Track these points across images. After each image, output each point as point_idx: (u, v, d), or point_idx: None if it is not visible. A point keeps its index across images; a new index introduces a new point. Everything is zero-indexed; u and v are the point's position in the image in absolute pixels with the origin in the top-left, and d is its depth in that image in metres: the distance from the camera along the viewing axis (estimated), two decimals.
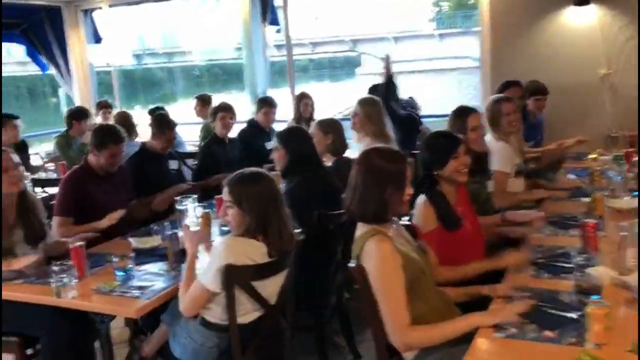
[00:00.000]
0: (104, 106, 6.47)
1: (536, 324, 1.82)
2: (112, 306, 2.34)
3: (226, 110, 4.55)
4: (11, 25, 7.27)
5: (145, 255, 2.86)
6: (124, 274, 2.63)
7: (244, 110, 6.20)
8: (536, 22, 5.25)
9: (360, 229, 2.08)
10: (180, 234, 2.77)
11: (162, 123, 4.07)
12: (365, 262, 1.99)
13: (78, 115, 5.82)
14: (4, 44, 7.38)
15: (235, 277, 2.15)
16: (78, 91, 7.13)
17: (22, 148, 5.38)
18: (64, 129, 5.81)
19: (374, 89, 4.73)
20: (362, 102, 4.12)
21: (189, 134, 6.11)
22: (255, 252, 2.22)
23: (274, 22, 6.79)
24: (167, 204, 3.75)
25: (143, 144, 4.09)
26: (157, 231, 3.22)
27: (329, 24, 35.02)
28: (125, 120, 4.83)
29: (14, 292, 2.59)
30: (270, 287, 2.32)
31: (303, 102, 5.54)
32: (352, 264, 2.06)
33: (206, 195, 4.10)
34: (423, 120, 5.46)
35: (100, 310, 2.40)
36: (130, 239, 3.07)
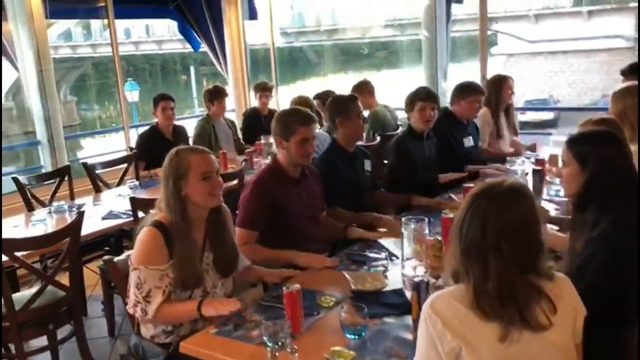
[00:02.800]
0: (262, 89, 5.72)
1: None
2: None
3: (427, 99, 3.62)
4: (164, 1, 6.88)
5: (369, 302, 2.08)
6: (356, 336, 1.87)
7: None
8: None
9: None
10: (432, 279, 1.96)
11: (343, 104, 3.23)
12: None
13: (214, 95, 5.20)
14: (151, 21, 7.01)
15: None
16: (232, 70, 6.59)
17: (178, 136, 4.83)
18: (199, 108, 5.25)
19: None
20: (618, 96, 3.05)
21: None
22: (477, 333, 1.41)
23: None
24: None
25: (334, 139, 3.32)
26: (373, 259, 2.46)
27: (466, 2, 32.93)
28: (307, 106, 4.07)
29: (209, 351, 1.91)
30: None
31: (506, 86, 4.45)
32: None
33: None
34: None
35: None
36: (345, 274, 2.32)
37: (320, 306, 2.11)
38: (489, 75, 4.93)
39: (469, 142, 4.05)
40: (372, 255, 2.54)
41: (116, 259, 2.28)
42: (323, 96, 4.57)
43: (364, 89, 5.29)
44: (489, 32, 33.73)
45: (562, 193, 3.32)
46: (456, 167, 3.83)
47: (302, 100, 4.42)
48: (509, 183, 1.51)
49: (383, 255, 2.53)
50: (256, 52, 7.45)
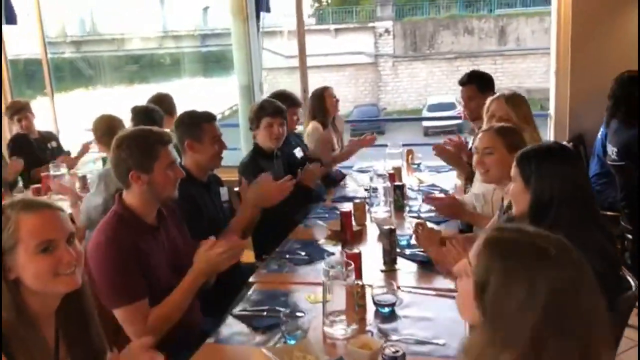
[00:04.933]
0: (18, 109, 4.42)
1: None
2: None
3: (275, 114, 3.15)
4: None
5: None
6: None
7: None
8: None
9: None
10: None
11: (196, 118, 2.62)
12: None
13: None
14: None
15: None
16: None
17: None
18: None
19: None
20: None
21: None
22: None
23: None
24: None
25: (182, 166, 2.63)
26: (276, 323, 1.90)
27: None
28: (119, 129, 3.16)
29: None
30: None
31: (327, 95, 4.11)
32: None
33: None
34: None
35: None
36: (265, 352, 1.73)
37: None
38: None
39: (299, 152, 3.71)
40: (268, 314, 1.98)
41: None
42: (139, 112, 3.67)
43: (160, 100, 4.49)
44: None
45: (423, 209, 3.12)
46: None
47: (113, 122, 3.44)
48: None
49: (284, 310, 1.98)
50: (15, 63, 6.07)
